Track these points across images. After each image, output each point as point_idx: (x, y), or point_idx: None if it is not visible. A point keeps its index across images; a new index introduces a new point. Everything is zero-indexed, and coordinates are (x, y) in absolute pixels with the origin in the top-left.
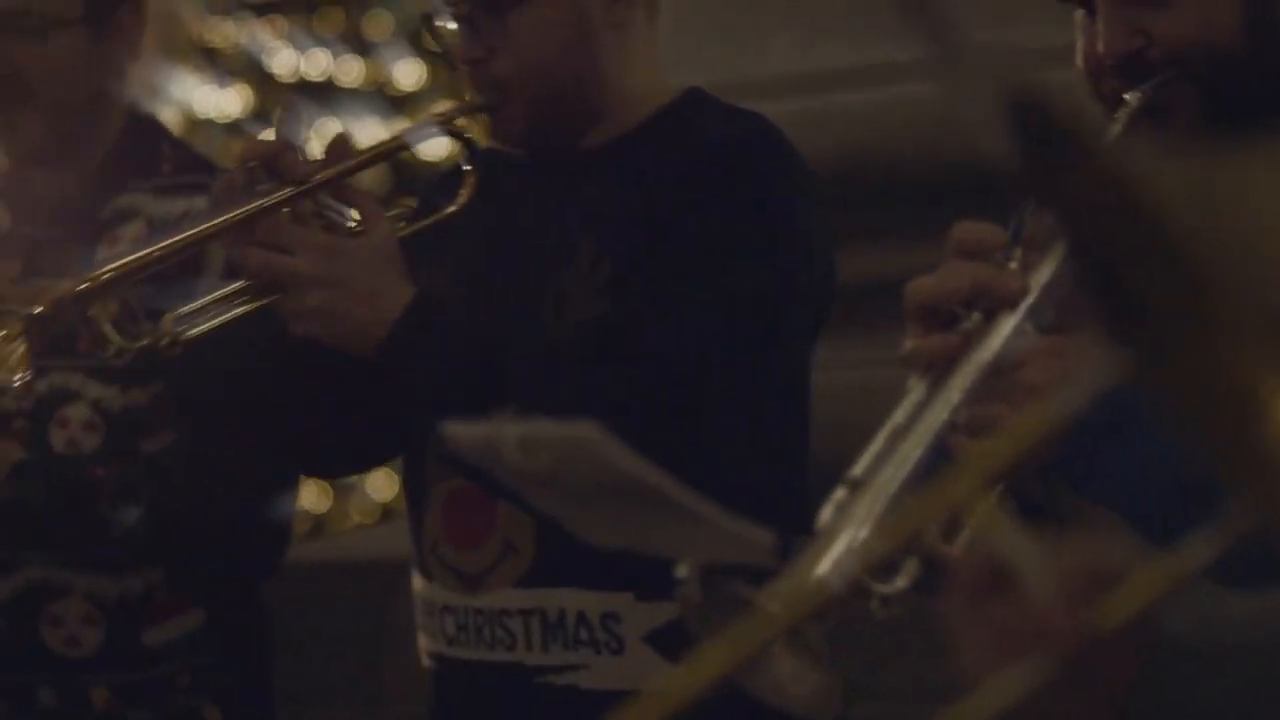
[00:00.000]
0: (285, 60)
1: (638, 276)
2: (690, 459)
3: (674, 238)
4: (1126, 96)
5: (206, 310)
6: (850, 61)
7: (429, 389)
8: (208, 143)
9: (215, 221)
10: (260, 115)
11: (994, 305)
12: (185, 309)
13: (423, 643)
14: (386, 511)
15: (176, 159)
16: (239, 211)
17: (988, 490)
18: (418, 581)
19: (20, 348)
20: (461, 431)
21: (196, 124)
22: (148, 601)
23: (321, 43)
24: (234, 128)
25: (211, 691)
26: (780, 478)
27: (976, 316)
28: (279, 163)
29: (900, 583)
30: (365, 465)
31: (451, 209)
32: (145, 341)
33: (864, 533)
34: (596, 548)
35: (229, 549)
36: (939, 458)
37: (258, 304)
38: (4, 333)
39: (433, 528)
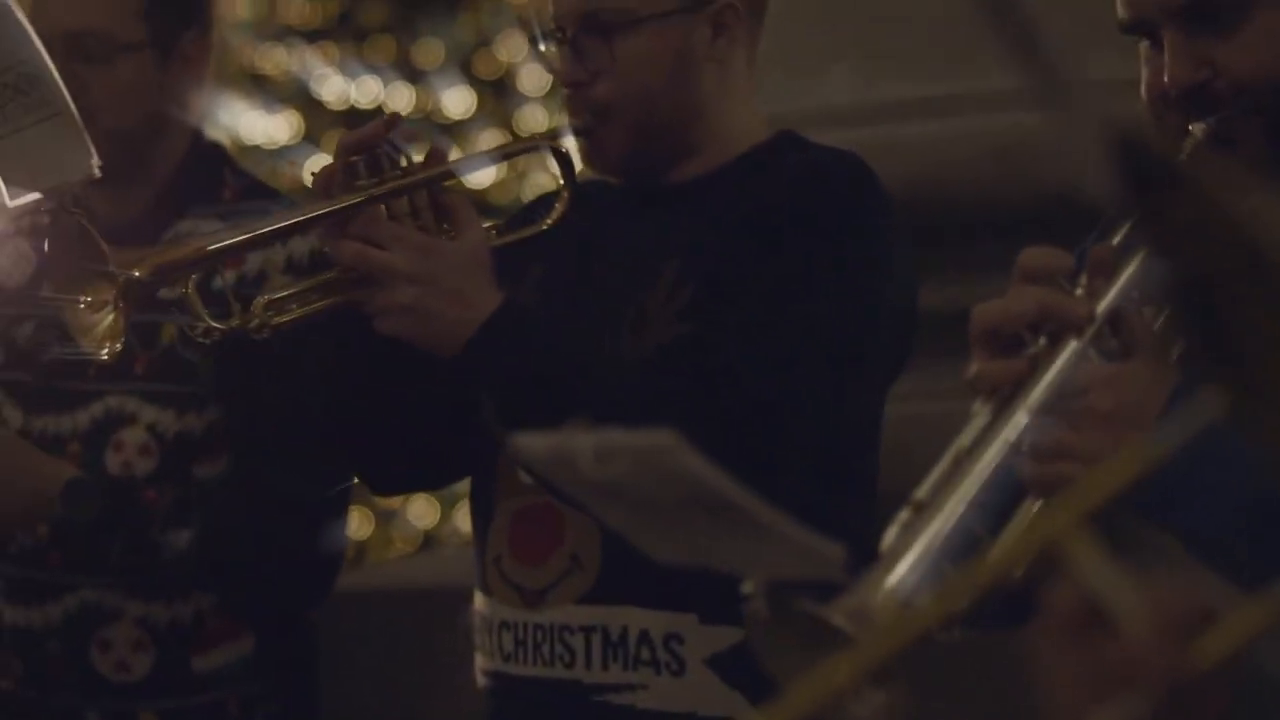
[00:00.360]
0: (335, 87)
1: (719, 301)
2: (761, 482)
3: (757, 265)
4: (1191, 128)
5: (297, 298)
6: (910, 94)
7: (509, 394)
8: (255, 169)
9: (315, 210)
10: (309, 141)
11: (1060, 330)
12: (276, 295)
13: (479, 662)
14: (427, 538)
15: (238, 185)
16: (340, 202)
17: (1084, 527)
18: (478, 599)
19: (109, 317)
20: (533, 442)
21: (244, 149)
22: (199, 627)
23: (372, 70)
24: (281, 154)
25: (259, 718)
26: (850, 507)
27: (1041, 341)
28: (399, 154)
29: (960, 605)
30: (433, 482)
31: (544, 224)
32: (235, 323)
33: (931, 552)
34: (664, 567)
35: (279, 575)
36: (1003, 481)
37: (347, 296)
38: (91, 298)
39: (497, 544)
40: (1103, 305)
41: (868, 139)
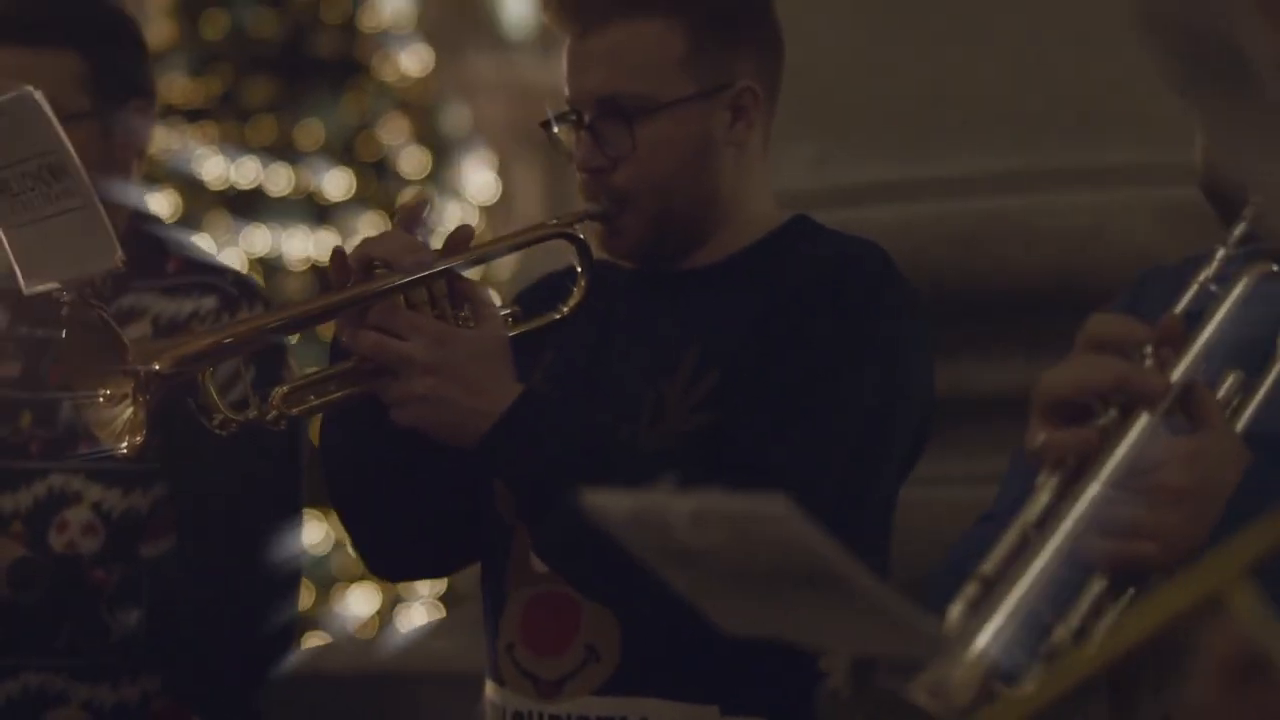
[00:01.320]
0: (215, 167)
1: (740, 390)
2: None
3: (780, 354)
4: (1251, 200)
5: (314, 389)
6: (867, 178)
7: (527, 487)
8: None
9: (336, 298)
10: (188, 221)
11: (1135, 402)
12: (293, 386)
13: None
14: (304, 620)
15: (181, 258)
16: (361, 291)
17: (1245, 579)
18: (489, 688)
19: (127, 410)
20: (614, 501)
21: None
22: (144, 710)
23: (252, 151)
24: None
25: None
26: None
27: (1112, 413)
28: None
29: (1027, 686)
30: (440, 568)
31: (562, 311)
32: (252, 415)
33: (1010, 625)
34: (685, 657)
35: (227, 655)
36: (1072, 557)
37: (365, 387)
38: (108, 392)
39: (509, 632)
40: (1174, 377)
41: (824, 223)
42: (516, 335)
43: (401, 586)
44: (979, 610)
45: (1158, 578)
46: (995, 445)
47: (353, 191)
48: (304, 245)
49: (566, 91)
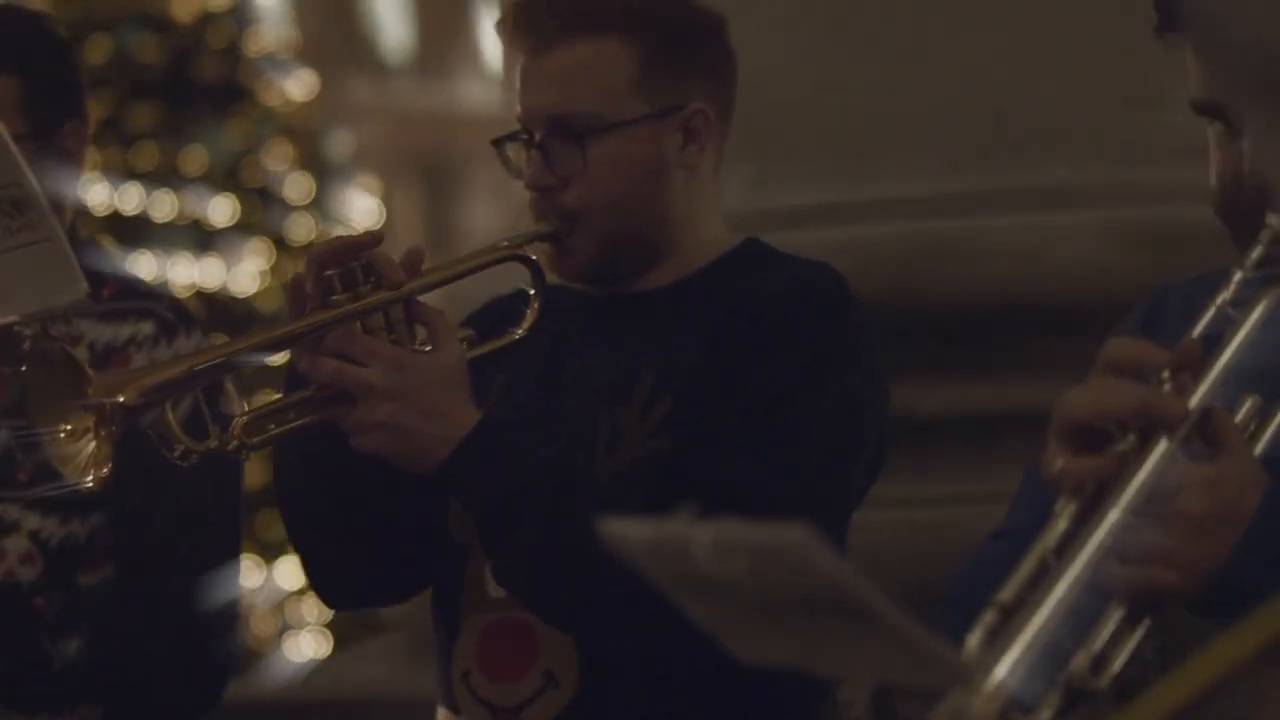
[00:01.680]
0: (98, 194)
1: (697, 415)
2: None
3: (738, 377)
4: (1269, 221)
5: (274, 417)
6: (803, 200)
7: (486, 512)
8: None
9: (295, 326)
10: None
11: (1154, 428)
12: (252, 415)
13: None
14: None
15: (117, 283)
16: (320, 318)
17: None
18: (443, 715)
19: (89, 445)
20: (633, 529)
21: None
22: None
23: (135, 177)
24: None
25: None
26: None
27: (1130, 439)
28: (375, 267)
29: (1044, 715)
30: (392, 596)
31: (517, 334)
32: (212, 445)
33: (1029, 654)
34: (645, 684)
35: (167, 685)
36: (1091, 584)
37: (324, 414)
38: (70, 427)
39: (463, 659)
40: (1193, 402)
41: None
42: (471, 359)
43: (289, 614)
44: (998, 639)
45: (1176, 604)
46: (936, 468)
47: (237, 217)
48: (188, 272)
49: (518, 109)
